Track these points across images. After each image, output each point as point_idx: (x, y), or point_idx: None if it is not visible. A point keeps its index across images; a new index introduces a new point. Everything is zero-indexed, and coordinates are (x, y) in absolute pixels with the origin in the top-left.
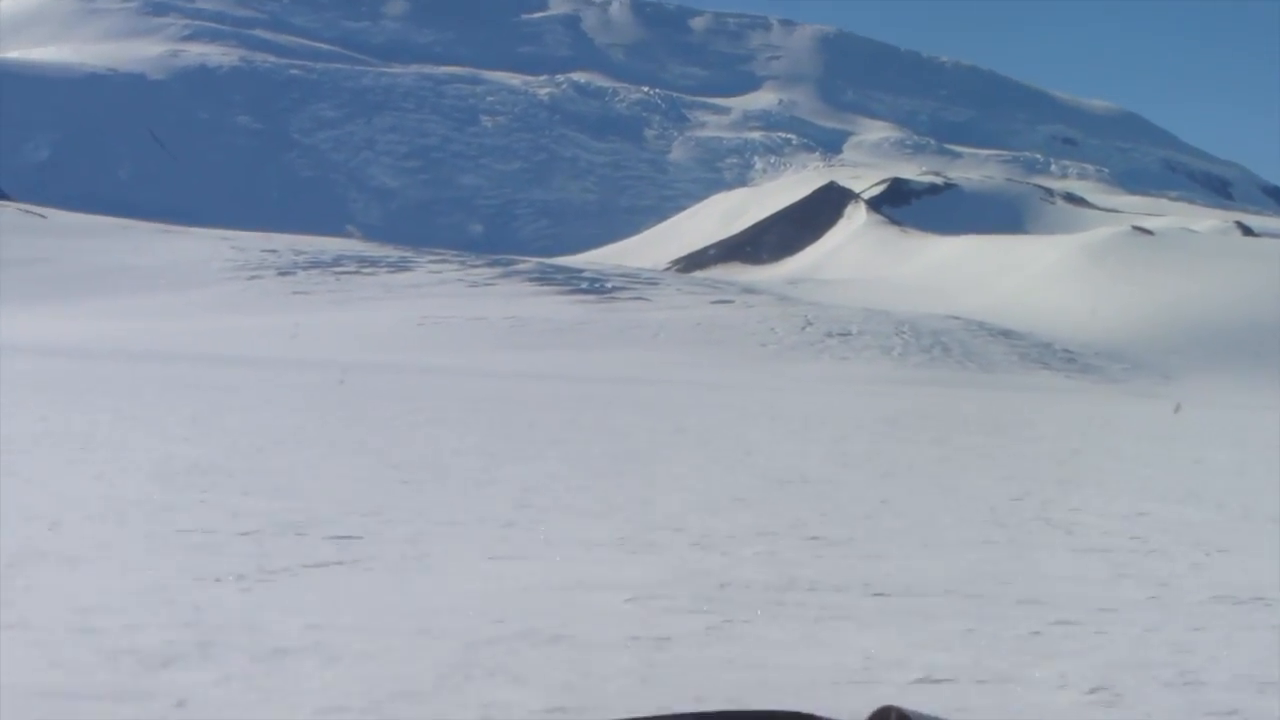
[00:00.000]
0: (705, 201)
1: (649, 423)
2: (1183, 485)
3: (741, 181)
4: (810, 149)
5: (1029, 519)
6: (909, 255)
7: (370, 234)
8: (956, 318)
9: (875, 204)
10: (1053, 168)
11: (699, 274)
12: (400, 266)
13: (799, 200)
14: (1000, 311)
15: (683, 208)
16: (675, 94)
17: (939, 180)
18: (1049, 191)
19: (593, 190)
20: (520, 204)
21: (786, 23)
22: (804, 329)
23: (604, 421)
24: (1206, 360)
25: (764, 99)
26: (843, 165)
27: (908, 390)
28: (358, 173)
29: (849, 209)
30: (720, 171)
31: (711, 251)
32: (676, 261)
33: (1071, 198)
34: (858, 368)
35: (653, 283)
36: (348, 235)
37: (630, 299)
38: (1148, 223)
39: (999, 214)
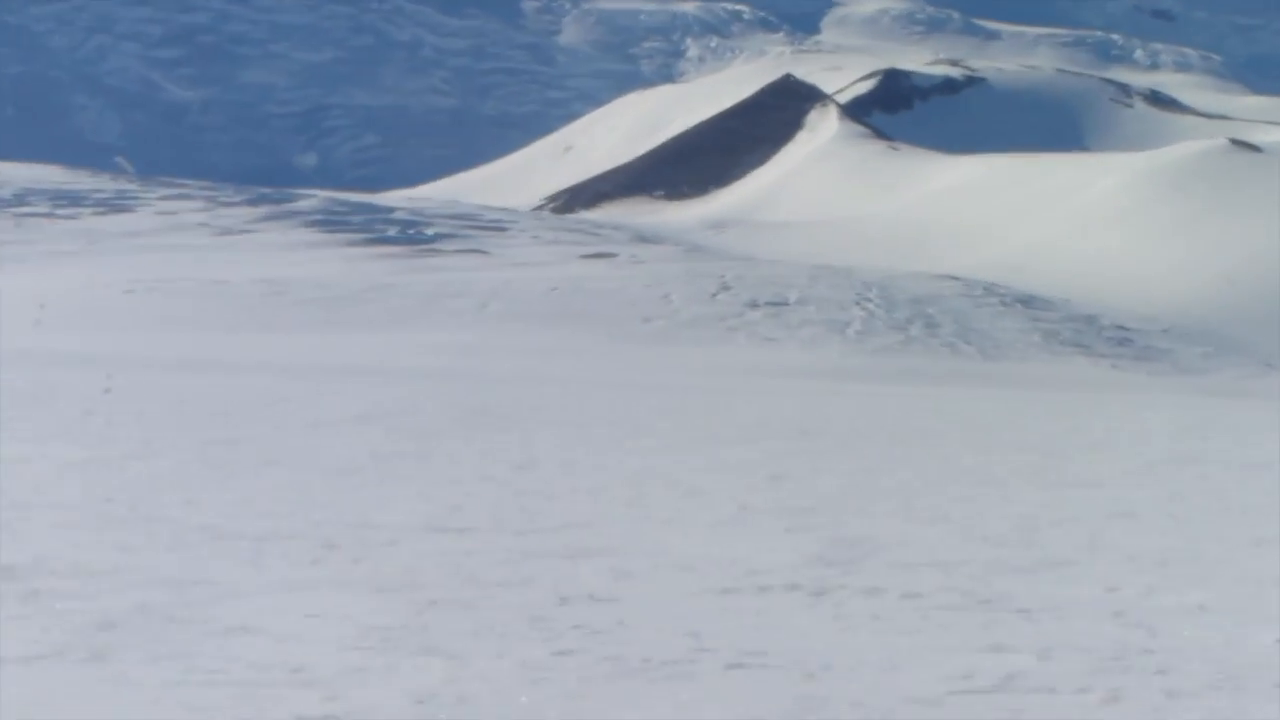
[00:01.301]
0: (609, 107)
1: (346, 447)
2: None
3: (666, 77)
4: (771, 26)
5: None
6: (897, 185)
7: (97, 159)
8: (954, 278)
9: (857, 108)
10: (1138, 54)
11: (584, 214)
12: (114, 206)
13: (737, 105)
14: (1022, 268)
15: (576, 116)
16: None
17: (956, 73)
18: (1123, 88)
19: (443, 91)
20: (332, 112)
21: None
22: (714, 296)
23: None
24: None
25: None
26: (819, 51)
27: (856, 390)
28: (87, 68)
29: (812, 116)
30: (634, 61)
31: (607, 182)
32: (555, 197)
33: (1158, 98)
34: (789, 354)
35: (499, 228)
36: (117, 170)
37: (459, 252)
38: (1268, 134)
39: (1047, 122)
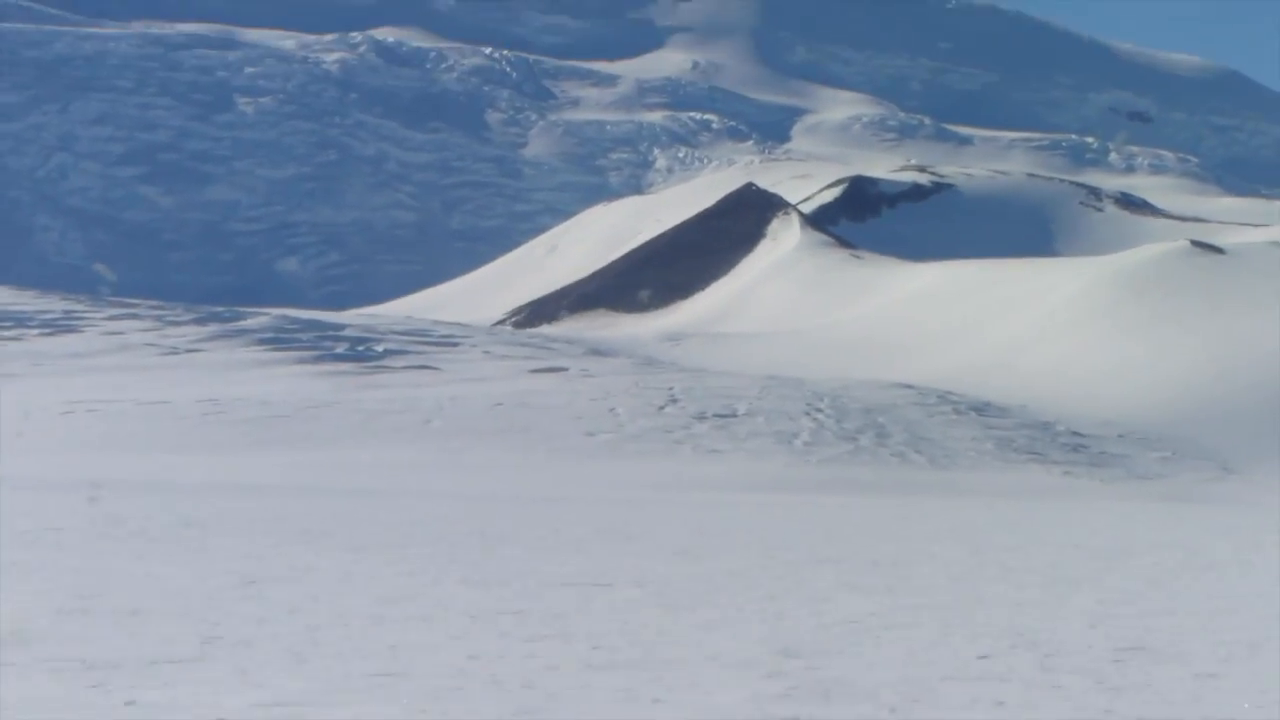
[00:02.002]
0: (576, 219)
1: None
2: None
3: (634, 188)
4: (740, 135)
5: None
6: (858, 294)
7: (62, 280)
8: (908, 386)
9: (823, 217)
10: (1113, 157)
11: (544, 329)
12: (61, 327)
13: (698, 215)
14: (980, 375)
15: (544, 229)
16: (534, 56)
17: (924, 179)
18: (1093, 192)
19: (408, 206)
20: (297, 229)
21: None
22: (662, 409)
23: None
24: None
25: (669, 61)
26: (789, 159)
27: (797, 501)
28: (48, 185)
29: (774, 225)
30: (602, 173)
31: (569, 296)
32: (517, 311)
33: (1129, 200)
34: (736, 465)
35: (450, 344)
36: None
37: (407, 369)
38: (1240, 235)
39: (1015, 227)
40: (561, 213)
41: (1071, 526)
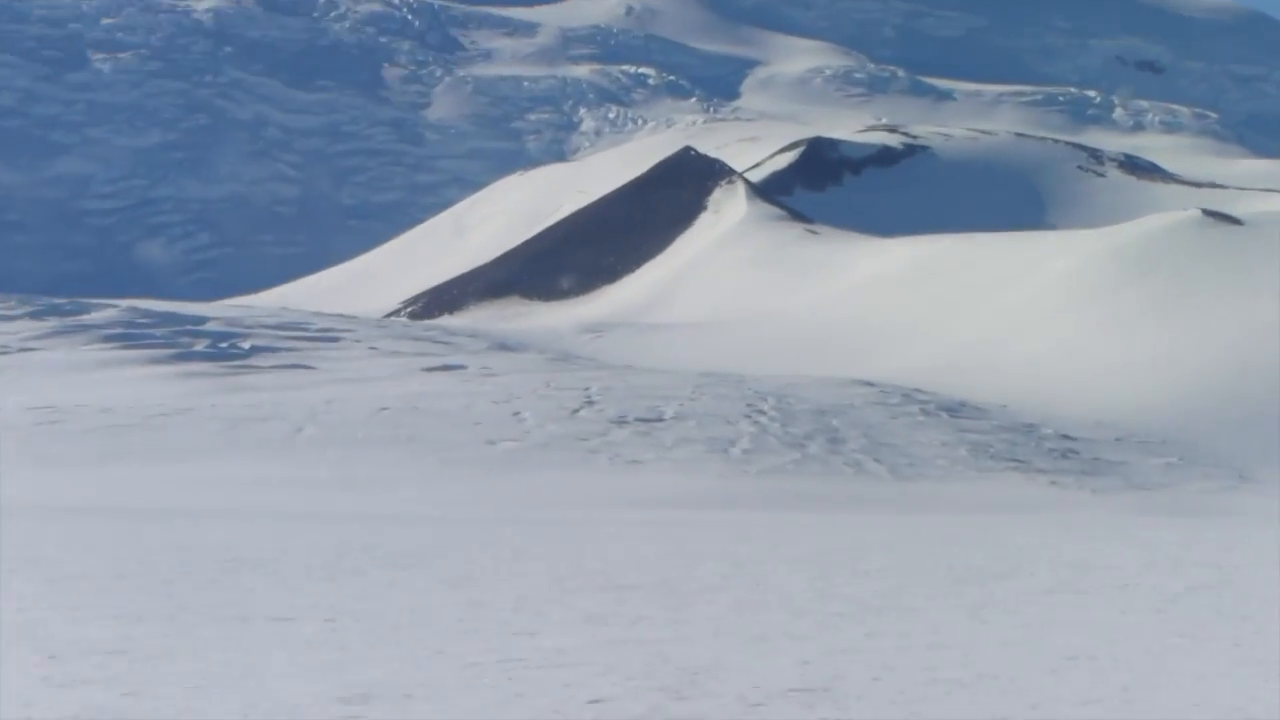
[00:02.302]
0: (486, 192)
1: None
2: None
3: (556, 154)
4: (681, 92)
5: None
6: (813, 276)
7: None
8: (867, 384)
9: (775, 186)
10: (1118, 113)
11: (446, 320)
12: None
13: (626, 186)
14: (953, 371)
15: (449, 204)
16: (439, 2)
17: (894, 140)
18: (1094, 154)
19: (291, 178)
20: (161, 207)
21: None
22: (576, 412)
23: None
24: None
25: (599, 6)
26: (738, 119)
27: (724, 521)
28: None
29: (716, 195)
30: (518, 137)
31: (475, 281)
32: (414, 300)
33: (1135, 164)
34: (660, 478)
35: (329, 339)
36: None
37: (278, 369)
38: (1265, 203)
39: (1001, 196)
40: (471, 184)
41: (1053, 547)
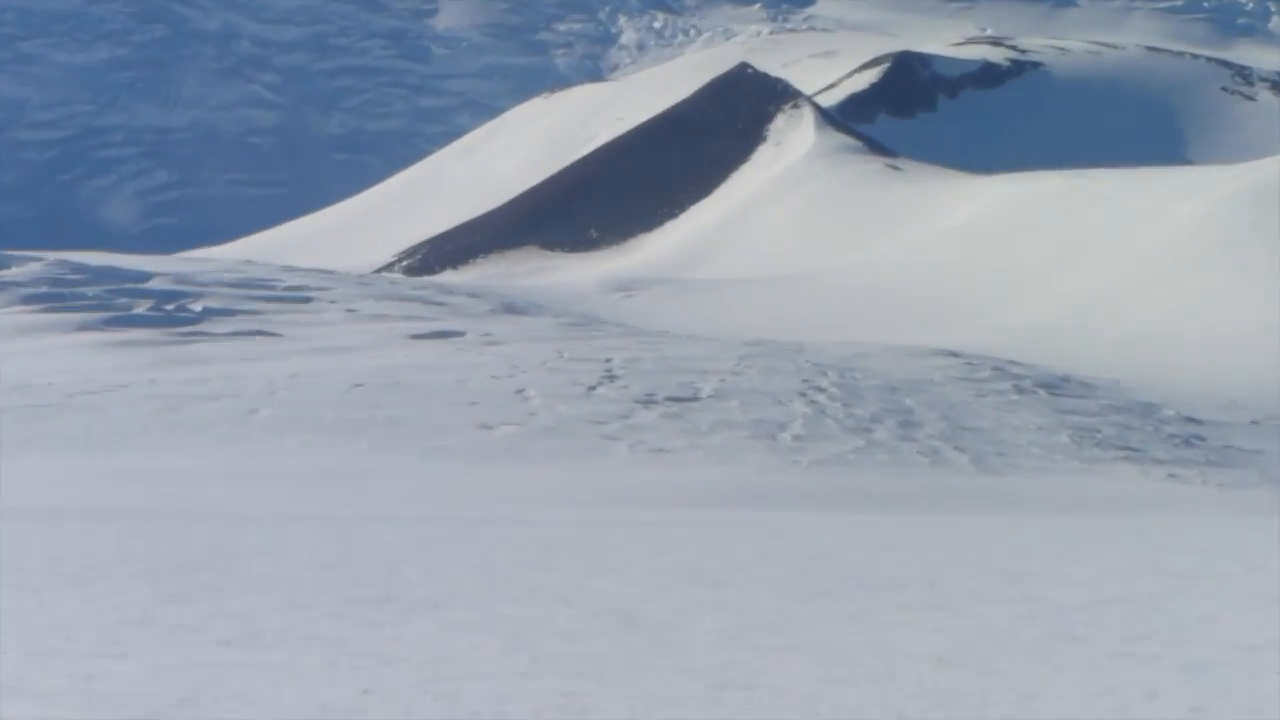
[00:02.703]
0: (505, 118)
1: None
2: None
3: (590, 72)
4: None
5: None
6: (896, 221)
7: None
8: (951, 354)
9: (853, 110)
10: (1274, 22)
11: (447, 277)
12: None
13: (669, 111)
14: (1056, 338)
15: (459, 134)
16: None
17: (998, 56)
18: (1242, 73)
19: (269, 103)
20: (109, 138)
21: None
22: (593, 390)
23: None
24: None
25: None
26: (811, 29)
27: (770, 522)
28: None
29: (778, 123)
30: (544, 52)
31: (484, 229)
32: (412, 252)
33: None
34: (691, 471)
35: (300, 299)
36: None
37: (234, 336)
38: None
39: (1129, 123)
40: (486, 110)
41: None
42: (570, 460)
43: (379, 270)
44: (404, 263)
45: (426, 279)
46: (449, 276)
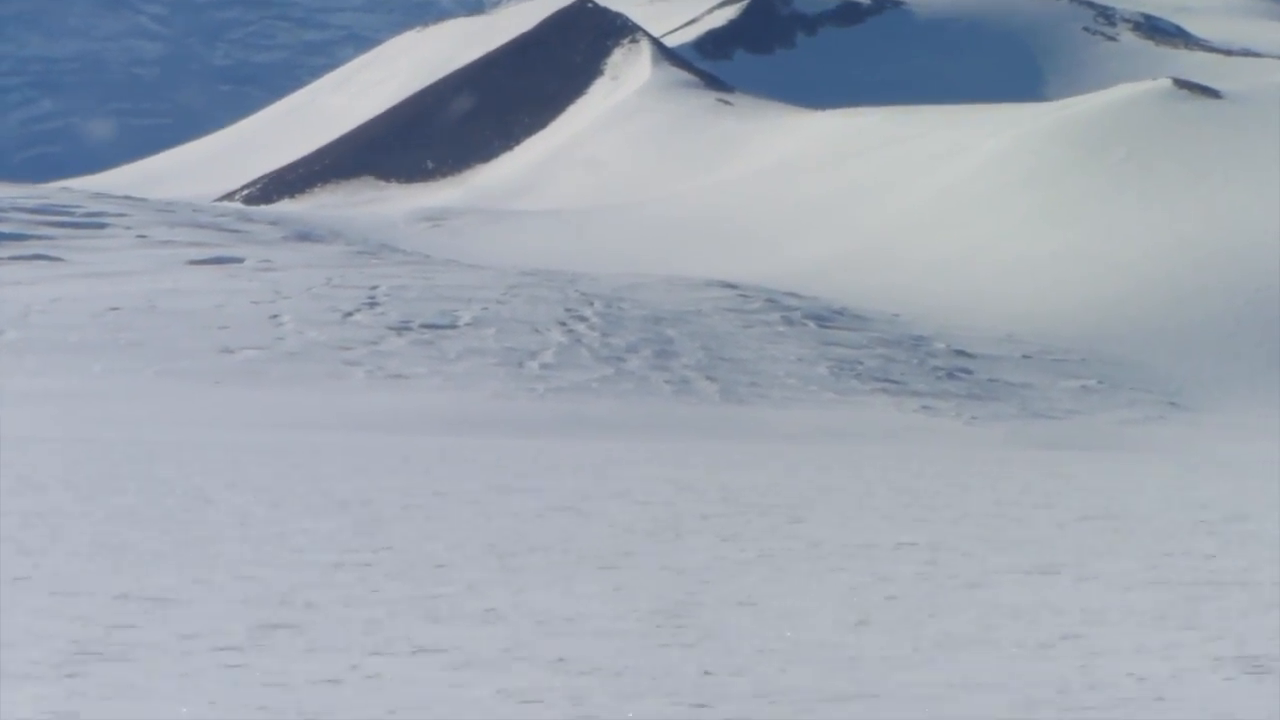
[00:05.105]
0: (379, 51)
1: None
2: None
3: (474, 5)
4: None
5: None
6: (721, 155)
7: None
8: (728, 285)
9: (712, 46)
10: None
11: (277, 206)
12: None
13: (508, 44)
14: (849, 271)
15: (340, 64)
16: None
17: None
18: (1104, 13)
19: (153, 34)
20: None
21: None
22: (349, 316)
23: None
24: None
25: None
26: None
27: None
28: None
29: (615, 57)
30: None
31: (325, 159)
32: (255, 183)
33: (1155, 26)
34: (424, 396)
35: (94, 225)
36: None
37: (14, 260)
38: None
39: (988, 63)
40: (369, 42)
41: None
42: (305, 384)
43: (219, 199)
44: (245, 192)
45: (246, 209)
46: (285, 206)
